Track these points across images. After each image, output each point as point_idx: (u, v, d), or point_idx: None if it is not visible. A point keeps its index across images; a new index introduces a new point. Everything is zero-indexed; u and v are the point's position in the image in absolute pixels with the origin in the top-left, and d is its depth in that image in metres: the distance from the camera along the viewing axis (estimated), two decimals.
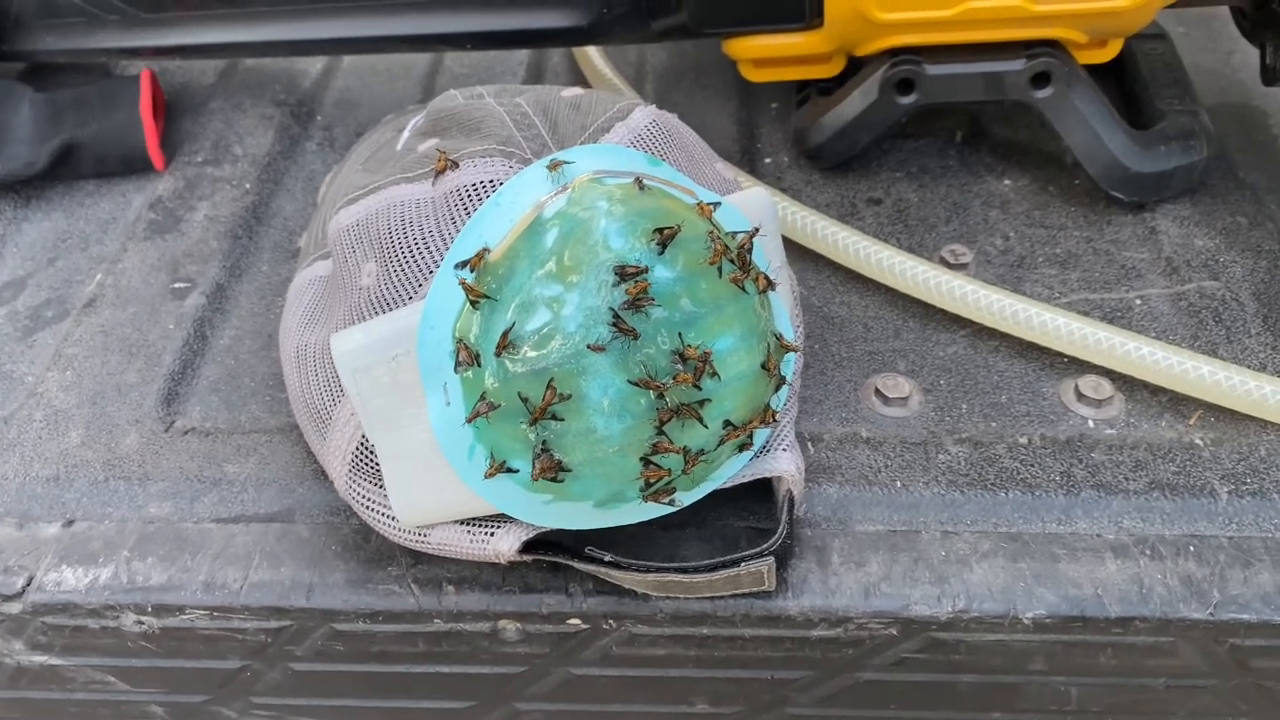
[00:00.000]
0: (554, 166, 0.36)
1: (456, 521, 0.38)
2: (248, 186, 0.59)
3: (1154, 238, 0.55)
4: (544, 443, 0.34)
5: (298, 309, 0.44)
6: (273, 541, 0.42)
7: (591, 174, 0.36)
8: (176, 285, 0.54)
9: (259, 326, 0.52)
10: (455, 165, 0.38)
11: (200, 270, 0.54)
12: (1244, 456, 0.44)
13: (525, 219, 0.35)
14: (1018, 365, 0.49)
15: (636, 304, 0.33)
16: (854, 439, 0.45)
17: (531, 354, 0.34)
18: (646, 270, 0.33)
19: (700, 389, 0.34)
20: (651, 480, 0.35)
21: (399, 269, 0.38)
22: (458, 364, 0.35)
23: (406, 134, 0.46)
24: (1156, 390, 0.47)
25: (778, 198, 0.55)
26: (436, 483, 0.36)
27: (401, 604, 0.40)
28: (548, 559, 0.38)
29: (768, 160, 0.61)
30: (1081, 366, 0.48)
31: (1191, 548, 0.41)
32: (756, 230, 0.37)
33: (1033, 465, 0.44)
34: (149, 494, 0.44)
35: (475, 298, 0.35)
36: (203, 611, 0.40)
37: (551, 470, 0.34)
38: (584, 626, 0.40)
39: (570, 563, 0.38)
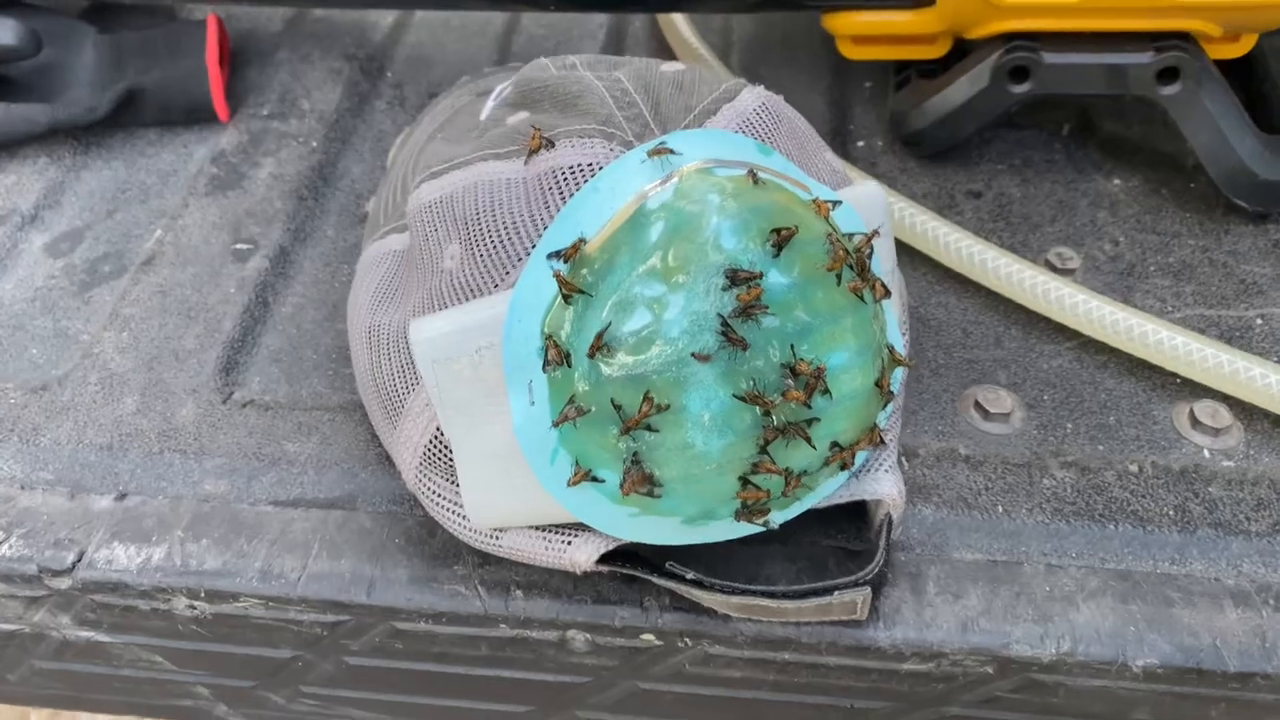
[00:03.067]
0: (659, 152, 0.33)
1: (531, 526, 0.36)
2: (314, 144, 0.57)
3: (1277, 251, 0.51)
4: (635, 454, 0.32)
5: (369, 284, 0.42)
6: (333, 530, 0.40)
7: (701, 163, 0.33)
8: (238, 246, 0.51)
9: (323, 295, 0.50)
10: (551, 145, 0.35)
11: (263, 232, 0.52)
12: None
13: (627, 209, 0.32)
14: (1127, 384, 0.45)
15: (748, 312, 0.30)
16: (952, 456, 0.42)
17: (628, 358, 0.31)
18: (761, 275, 0.30)
19: (810, 407, 0.31)
20: (748, 501, 0.32)
21: (486, 253, 0.35)
22: (546, 363, 0.32)
23: (492, 103, 0.43)
24: (1279, 420, 0.43)
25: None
26: (513, 485, 0.34)
27: (467, 606, 0.38)
28: (625, 571, 0.36)
29: (860, 143, 0.58)
30: (1196, 389, 0.44)
31: None
32: (876, 232, 0.34)
33: (1144, 497, 0.41)
34: (205, 470, 0.42)
35: (569, 292, 0.32)
36: (257, 600, 0.38)
37: (643, 484, 0.32)
38: (658, 643, 0.38)
39: (649, 577, 0.36)
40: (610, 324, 0.31)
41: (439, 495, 0.37)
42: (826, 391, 0.31)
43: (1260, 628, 0.37)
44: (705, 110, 0.36)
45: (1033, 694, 0.38)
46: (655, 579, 0.36)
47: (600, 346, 0.31)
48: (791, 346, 0.31)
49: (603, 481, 0.32)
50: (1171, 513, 0.40)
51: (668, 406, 0.31)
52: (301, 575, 0.39)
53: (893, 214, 0.50)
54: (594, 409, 0.32)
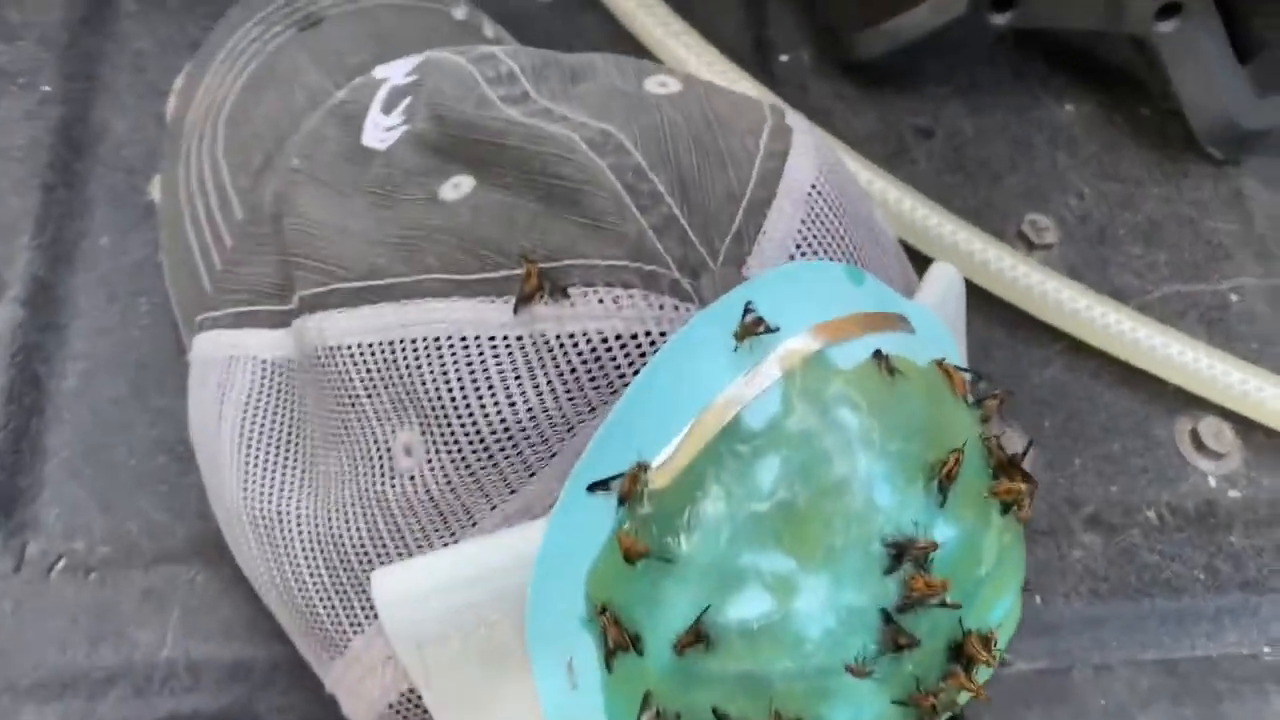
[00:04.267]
0: (749, 330, 0.22)
1: None
2: (46, 88, 0.39)
3: (1240, 203, 0.46)
4: None
5: (221, 412, 0.28)
6: None
7: (808, 338, 0.22)
8: None
9: (118, 351, 0.35)
10: (564, 294, 0.23)
11: (4, 254, 0.35)
12: None
13: (711, 420, 0.22)
14: (1123, 398, 0.41)
15: (923, 603, 0.21)
16: None
17: (737, 661, 0.22)
18: (936, 546, 0.22)
19: (977, 685, 0.23)
20: None
21: (470, 456, 0.24)
22: (609, 653, 0.22)
23: (383, 116, 0.29)
24: (1271, 432, 0.40)
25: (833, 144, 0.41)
26: None
27: None
28: None
29: (784, 58, 0.47)
30: (1190, 397, 0.40)
31: None
32: (1008, 393, 0.25)
33: (1174, 560, 0.37)
34: (16, 697, 0.29)
35: (636, 557, 0.22)
36: None
37: None
38: None
39: None
40: (709, 607, 0.22)
41: None
42: (996, 660, 0.23)
43: None
44: (757, 202, 0.25)
45: None
46: None
47: (693, 642, 0.22)
48: (959, 619, 0.23)
49: None
50: (1202, 576, 0.37)
51: None
52: None
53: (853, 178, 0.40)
54: (682, 715, 0.22)
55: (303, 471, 0.27)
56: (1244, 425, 0.40)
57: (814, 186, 0.26)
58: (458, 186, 0.26)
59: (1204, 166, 0.47)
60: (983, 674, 0.23)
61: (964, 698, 0.24)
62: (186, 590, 0.31)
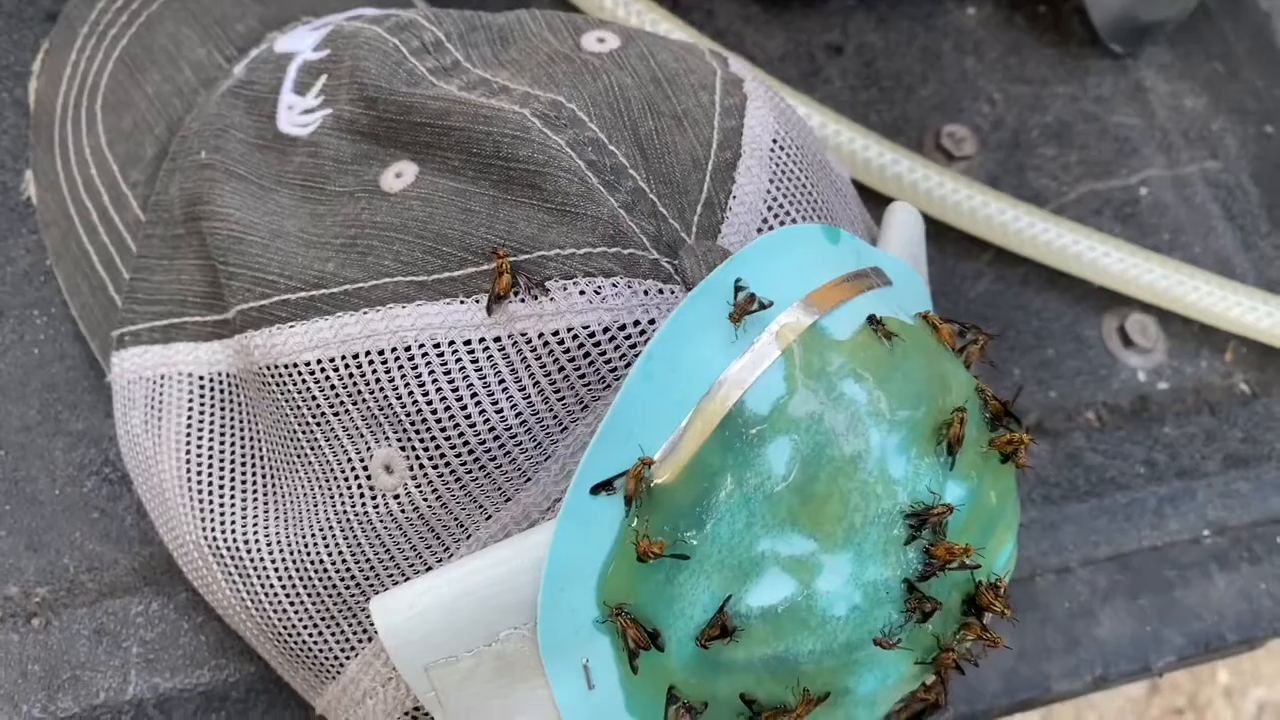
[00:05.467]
0: (743, 309, 0.21)
1: None
2: None
3: (1141, 95, 0.47)
4: None
5: (160, 437, 0.26)
6: None
7: (802, 310, 0.21)
8: None
9: (19, 373, 0.32)
10: (542, 289, 0.21)
11: None
12: None
13: (713, 408, 0.21)
14: (1052, 301, 0.42)
15: (944, 568, 0.21)
16: None
17: (762, 646, 0.21)
18: (952, 510, 0.21)
19: (993, 635, 0.23)
20: None
21: (458, 468, 0.22)
22: (631, 654, 0.22)
23: (297, 97, 0.27)
24: (1188, 321, 0.42)
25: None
26: None
27: None
28: None
29: None
30: (1114, 296, 0.41)
31: (1279, 539, 0.38)
32: (990, 336, 0.25)
33: (1115, 457, 0.38)
34: None
35: (650, 557, 0.21)
36: None
37: None
38: None
39: None
40: (730, 597, 0.21)
41: None
42: (1008, 608, 0.23)
43: (1246, 590, 0.37)
44: (722, 164, 0.24)
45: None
46: None
47: (718, 635, 0.21)
48: (972, 574, 0.23)
49: None
50: (1143, 470, 0.38)
51: (827, 695, 0.22)
52: None
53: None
54: (709, 705, 0.22)
55: (265, 497, 0.25)
56: (1164, 317, 0.42)
57: (775, 141, 0.25)
58: (400, 175, 0.24)
59: (1104, 62, 0.48)
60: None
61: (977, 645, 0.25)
62: (141, 623, 0.29)
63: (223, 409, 0.26)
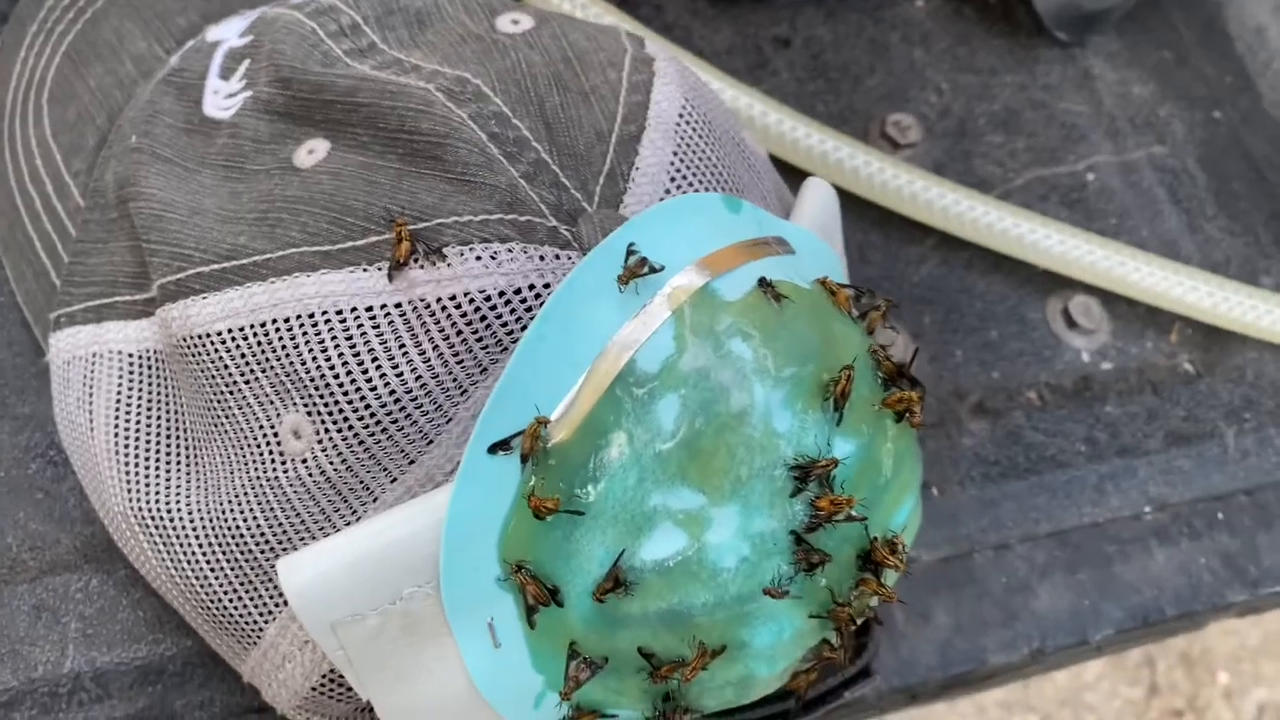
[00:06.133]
0: (633, 273, 0.22)
1: None
2: None
3: (1089, 83, 0.48)
4: (669, 693, 0.23)
5: (93, 415, 0.27)
6: None
7: (694, 272, 0.22)
8: None
9: None
10: (439, 255, 0.22)
11: None
12: (1234, 381, 0.41)
13: (606, 367, 0.22)
14: (996, 284, 0.42)
15: (832, 520, 0.22)
16: None
17: (657, 599, 0.22)
18: (838, 463, 0.22)
19: (889, 590, 0.24)
20: (797, 687, 0.26)
21: (362, 432, 0.23)
22: (530, 609, 0.22)
23: (220, 80, 0.28)
24: (1133, 303, 0.42)
25: (695, 64, 0.41)
26: None
27: None
28: None
29: None
30: (1058, 279, 0.42)
31: (1220, 515, 0.38)
32: (891, 302, 0.26)
33: (1056, 435, 0.39)
34: None
35: (545, 514, 0.21)
36: None
37: None
38: None
39: None
40: (624, 552, 0.22)
41: None
42: (904, 565, 0.24)
43: (1185, 564, 0.37)
44: (626, 137, 0.25)
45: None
46: None
47: (612, 588, 0.22)
48: (865, 528, 0.23)
49: (615, 717, 0.24)
50: (1083, 448, 0.39)
51: (723, 649, 0.22)
52: None
53: (730, 101, 0.40)
54: (610, 658, 0.23)
55: (187, 467, 0.26)
56: (1108, 299, 0.42)
57: (681, 115, 0.26)
58: (312, 152, 0.25)
59: (1053, 50, 0.48)
60: (891, 577, 0.24)
61: (875, 601, 0.25)
62: (81, 599, 0.30)
63: (150, 384, 0.27)
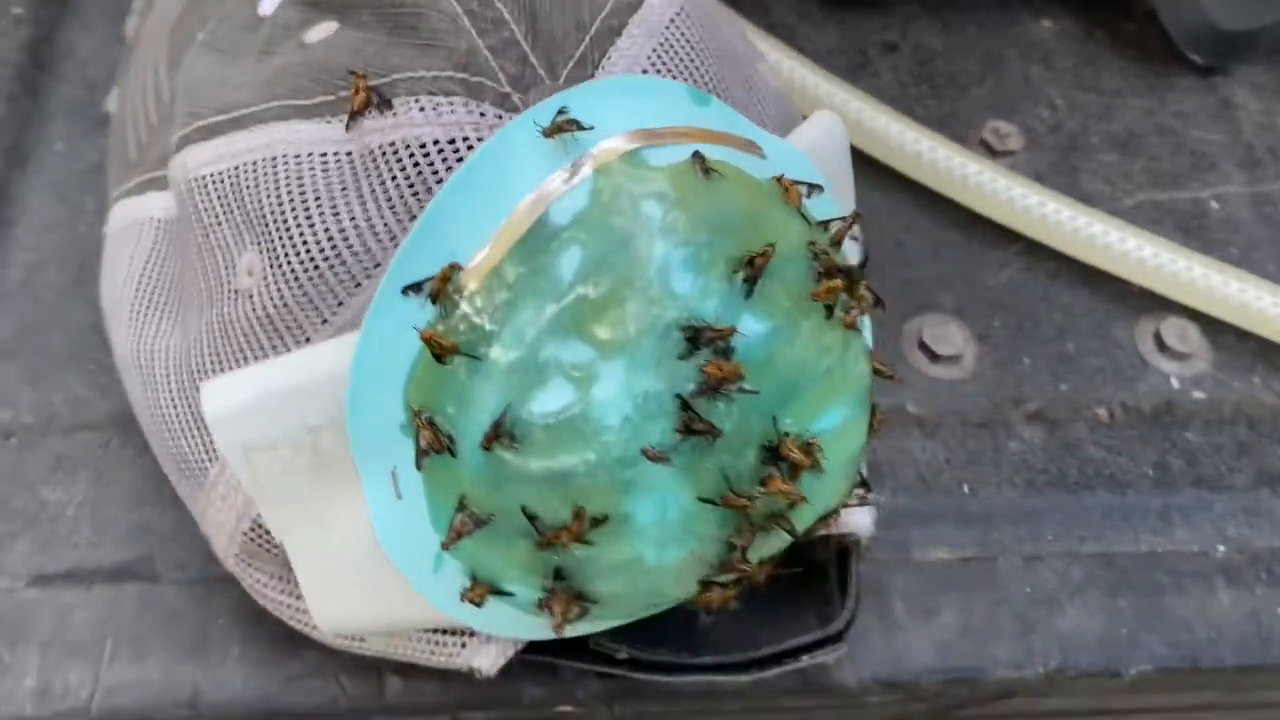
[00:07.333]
0: (560, 128, 0.22)
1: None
2: (17, 10, 0.41)
3: (1229, 113, 0.44)
4: (559, 569, 0.23)
5: (127, 270, 0.29)
6: (131, 616, 0.30)
7: (623, 139, 0.22)
8: None
9: (64, 246, 0.37)
10: (387, 105, 0.23)
11: None
12: None
13: (520, 219, 0.22)
14: (1083, 298, 0.39)
15: (720, 389, 0.21)
16: (903, 419, 0.35)
17: (543, 456, 0.21)
18: (733, 331, 0.21)
19: (796, 491, 0.22)
20: (709, 604, 0.24)
21: (300, 273, 0.24)
22: (421, 453, 0.22)
23: None
24: (1244, 334, 0.38)
25: (778, 51, 0.41)
26: (377, 590, 0.25)
27: (328, 702, 0.29)
28: (538, 659, 0.28)
29: None
30: (1156, 299, 0.38)
31: None
32: (857, 215, 0.25)
33: (1121, 454, 0.35)
34: None
35: (442, 353, 0.22)
36: None
37: (570, 607, 0.23)
38: (578, 712, 0.30)
39: (571, 664, 0.28)
40: (514, 401, 0.21)
41: (271, 591, 0.27)
42: (818, 466, 0.22)
43: (1255, 611, 0.33)
44: (606, 29, 0.25)
45: (1015, 707, 0.33)
46: (579, 665, 0.28)
47: (499, 436, 0.21)
48: (774, 419, 0.22)
49: (511, 595, 0.24)
50: (1151, 472, 0.35)
51: (605, 519, 0.22)
52: (95, 690, 0.29)
53: (795, 80, 0.40)
54: (496, 516, 0.22)
55: (174, 310, 0.28)
56: (1212, 327, 0.38)
57: (673, 21, 0.26)
58: (322, 31, 0.27)
59: (1190, 79, 0.45)
60: (812, 484, 0.23)
61: (804, 521, 0.24)
62: (99, 456, 0.32)
63: (168, 244, 0.29)
